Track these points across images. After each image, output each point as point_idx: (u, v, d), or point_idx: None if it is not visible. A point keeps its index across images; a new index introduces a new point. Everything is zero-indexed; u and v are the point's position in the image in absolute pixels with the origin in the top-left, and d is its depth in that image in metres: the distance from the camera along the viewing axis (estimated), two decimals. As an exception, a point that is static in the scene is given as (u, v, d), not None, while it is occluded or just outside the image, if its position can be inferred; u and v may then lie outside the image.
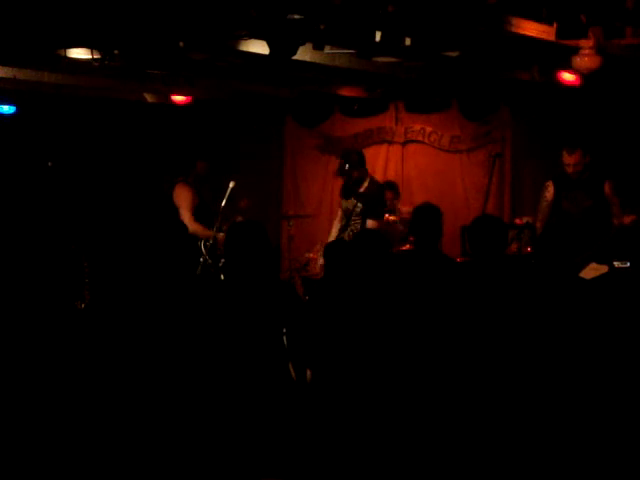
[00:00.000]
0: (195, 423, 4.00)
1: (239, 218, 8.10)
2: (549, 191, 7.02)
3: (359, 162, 7.65)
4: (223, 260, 7.77)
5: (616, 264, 6.57)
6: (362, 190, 7.59)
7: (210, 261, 7.57)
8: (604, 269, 6.56)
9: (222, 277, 7.66)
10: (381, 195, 7.82)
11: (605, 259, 6.63)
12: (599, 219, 6.82)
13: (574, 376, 4.30)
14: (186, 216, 7.43)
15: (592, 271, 6.58)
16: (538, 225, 6.95)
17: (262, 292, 4.33)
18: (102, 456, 3.97)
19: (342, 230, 7.61)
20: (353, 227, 7.53)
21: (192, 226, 7.22)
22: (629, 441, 4.13)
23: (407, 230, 7.90)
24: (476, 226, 5.14)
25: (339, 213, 7.95)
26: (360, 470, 4.21)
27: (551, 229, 6.68)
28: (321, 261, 7.68)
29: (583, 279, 6.03)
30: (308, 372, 4.64)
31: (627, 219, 6.78)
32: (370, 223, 7.45)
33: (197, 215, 7.64)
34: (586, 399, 4.23)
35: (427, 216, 5.62)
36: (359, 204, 7.50)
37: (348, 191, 7.73)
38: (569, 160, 6.94)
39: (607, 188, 6.93)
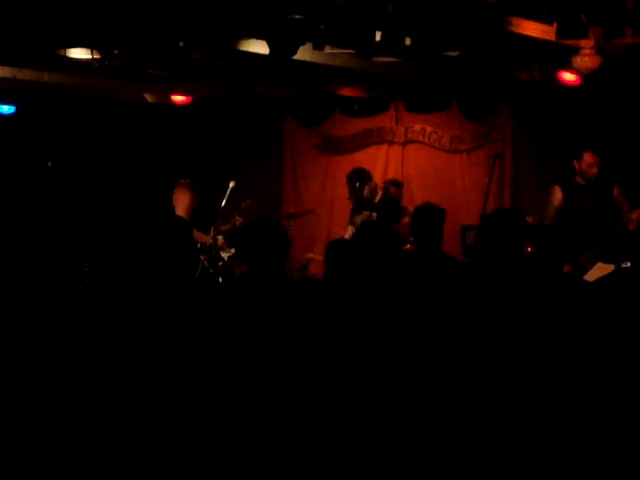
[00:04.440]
0: (197, 423, 4.01)
1: (239, 219, 8.11)
2: (556, 197, 7.00)
3: (367, 177, 7.70)
4: (221, 263, 7.79)
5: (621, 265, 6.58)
6: (377, 201, 7.62)
7: (207, 264, 7.58)
8: (610, 268, 6.56)
9: (220, 279, 7.67)
10: (396, 204, 7.82)
11: (611, 259, 6.63)
12: (607, 222, 6.81)
13: (575, 378, 4.31)
14: None
15: (598, 271, 6.58)
16: None
17: (280, 290, 4.34)
18: (102, 455, 3.97)
19: None
20: None
21: None
22: (631, 442, 4.13)
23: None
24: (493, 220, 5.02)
25: (349, 231, 7.90)
26: (359, 470, 4.21)
27: (558, 229, 6.68)
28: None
29: (582, 279, 6.03)
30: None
31: (635, 214, 6.77)
32: None
33: (195, 218, 7.64)
34: (588, 402, 4.23)
35: (428, 216, 5.61)
36: (374, 214, 7.50)
37: (361, 205, 7.75)
38: (592, 160, 6.91)
39: (616, 191, 6.93)
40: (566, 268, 6.59)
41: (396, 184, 9.18)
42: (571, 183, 7.00)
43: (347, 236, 7.77)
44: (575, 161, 6.98)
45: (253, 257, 4.40)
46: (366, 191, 7.65)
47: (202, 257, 7.57)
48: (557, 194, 7.01)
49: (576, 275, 6.43)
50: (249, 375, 4.19)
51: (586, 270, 6.62)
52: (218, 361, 4.14)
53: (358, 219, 7.76)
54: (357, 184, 7.69)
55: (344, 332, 4.61)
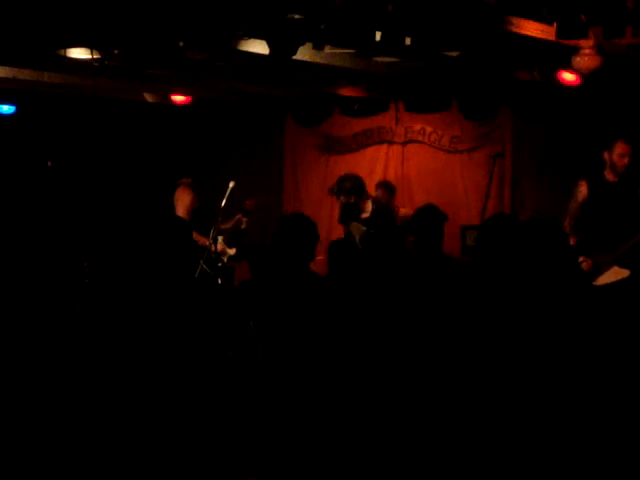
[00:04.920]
0: (196, 422, 4.01)
1: (243, 219, 8.09)
2: (581, 192, 6.85)
3: (354, 190, 7.60)
4: (220, 264, 7.77)
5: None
6: (367, 216, 7.55)
7: (205, 267, 7.55)
8: (625, 274, 6.48)
9: (220, 281, 7.64)
10: (390, 215, 7.76)
11: (629, 264, 6.53)
12: (633, 224, 6.68)
13: (574, 380, 4.30)
14: None
15: (613, 275, 6.52)
16: (566, 224, 6.82)
17: (306, 288, 4.35)
18: (97, 454, 3.97)
19: None
20: None
21: None
22: (630, 443, 4.13)
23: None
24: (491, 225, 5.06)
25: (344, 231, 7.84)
26: (360, 470, 4.21)
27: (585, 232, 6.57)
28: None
29: (585, 281, 6.03)
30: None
31: None
32: None
33: (195, 219, 7.62)
34: (587, 404, 4.23)
35: (429, 217, 5.61)
36: (371, 231, 7.44)
37: (349, 216, 7.65)
38: (625, 150, 6.77)
39: None
40: (586, 265, 6.51)
41: (383, 185, 9.13)
42: (598, 179, 6.86)
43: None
44: (606, 152, 6.79)
45: (285, 252, 4.39)
46: (350, 201, 7.57)
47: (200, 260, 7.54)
48: (582, 189, 6.85)
49: (583, 276, 6.38)
50: (253, 373, 4.19)
51: (602, 272, 6.54)
52: (221, 359, 4.14)
53: (355, 231, 7.69)
54: (339, 193, 7.63)
55: (346, 331, 4.61)
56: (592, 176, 6.86)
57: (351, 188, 7.60)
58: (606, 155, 6.79)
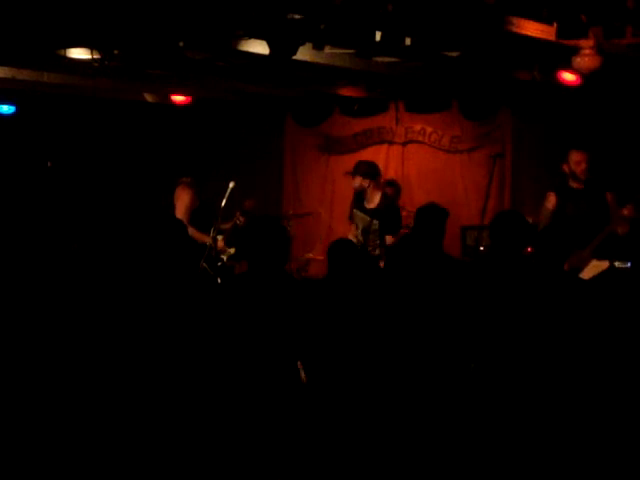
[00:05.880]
0: (194, 422, 4.00)
1: (241, 219, 8.10)
2: (550, 201, 7.18)
3: (367, 172, 7.68)
4: (220, 264, 7.78)
5: (617, 264, 6.64)
6: (373, 206, 7.62)
7: (205, 265, 7.56)
8: (605, 265, 6.66)
9: (219, 280, 7.65)
10: (396, 211, 7.83)
11: (605, 257, 6.74)
12: (600, 224, 6.93)
13: (574, 376, 4.31)
14: (180, 219, 7.43)
15: (593, 269, 6.67)
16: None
17: (280, 290, 4.33)
18: (98, 454, 3.97)
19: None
20: (372, 245, 7.52)
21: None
22: (628, 441, 4.14)
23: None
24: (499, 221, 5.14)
25: (352, 231, 7.88)
26: (360, 470, 4.21)
27: (553, 230, 6.76)
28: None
29: (582, 280, 6.06)
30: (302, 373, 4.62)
31: (625, 211, 6.91)
32: (389, 239, 7.50)
33: (196, 218, 7.62)
34: (585, 399, 4.23)
35: (431, 216, 5.63)
36: (375, 221, 7.51)
37: (358, 203, 7.75)
38: (580, 157, 7.06)
39: (609, 199, 7.07)
40: (566, 265, 6.67)
41: (392, 184, 9.18)
42: (565, 188, 7.16)
43: (351, 235, 7.75)
44: (564, 164, 7.16)
45: (253, 256, 4.41)
46: (356, 183, 7.69)
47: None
48: (551, 198, 7.20)
49: (573, 273, 6.48)
50: (246, 374, 4.18)
51: (581, 268, 6.72)
52: (214, 360, 4.14)
53: (359, 221, 7.74)
54: (354, 173, 7.75)
55: (346, 330, 4.61)
56: (560, 187, 7.12)
57: (368, 169, 7.73)
58: (565, 167, 7.22)
